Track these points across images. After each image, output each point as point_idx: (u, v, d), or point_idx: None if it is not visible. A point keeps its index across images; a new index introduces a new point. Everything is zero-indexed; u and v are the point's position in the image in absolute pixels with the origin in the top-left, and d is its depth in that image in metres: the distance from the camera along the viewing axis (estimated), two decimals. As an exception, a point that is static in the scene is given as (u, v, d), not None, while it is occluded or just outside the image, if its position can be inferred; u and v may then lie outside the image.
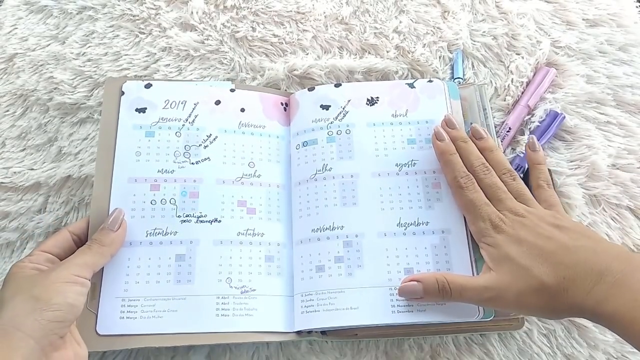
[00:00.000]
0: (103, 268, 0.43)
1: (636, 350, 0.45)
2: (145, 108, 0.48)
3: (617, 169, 0.52)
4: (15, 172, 0.52)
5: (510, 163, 0.51)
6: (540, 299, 0.37)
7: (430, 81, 0.51)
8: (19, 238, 0.50)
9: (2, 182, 0.52)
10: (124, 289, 0.43)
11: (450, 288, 0.40)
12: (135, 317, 0.42)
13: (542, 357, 0.46)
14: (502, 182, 0.44)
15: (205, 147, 0.48)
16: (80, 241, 0.43)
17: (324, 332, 0.44)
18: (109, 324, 0.41)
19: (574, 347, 0.46)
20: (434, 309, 0.42)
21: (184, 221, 0.45)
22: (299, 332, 0.44)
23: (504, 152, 0.52)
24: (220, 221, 0.46)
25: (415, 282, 0.41)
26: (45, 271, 0.38)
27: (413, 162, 0.47)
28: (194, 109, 0.49)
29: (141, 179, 0.46)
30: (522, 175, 0.51)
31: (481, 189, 0.43)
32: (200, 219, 0.45)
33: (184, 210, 0.46)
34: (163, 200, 0.46)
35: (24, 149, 0.54)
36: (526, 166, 0.51)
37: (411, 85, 0.50)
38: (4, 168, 0.53)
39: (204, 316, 0.43)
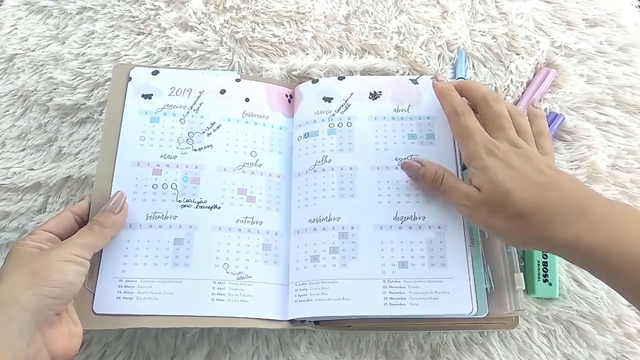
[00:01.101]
0: (102, 249, 0.43)
1: (636, 351, 0.45)
2: (152, 94, 0.49)
3: (617, 169, 0.52)
4: (15, 172, 0.52)
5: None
6: (512, 225, 0.38)
7: (433, 78, 0.50)
8: (19, 238, 0.50)
9: (2, 183, 0.52)
10: (122, 269, 0.43)
11: (441, 183, 0.43)
12: (132, 298, 0.42)
13: (542, 357, 0.46)
14: (510, 115, 0.43)
15: (208, 134, 0.48)
16: (83, 221, 0.43)
17: (317, 322, 0.44)
18: (106, 303, 0.42)
19: (574, 347, 0.46)
20: (427, 303, 0.42)
21: (184, 206, 0.46)
22: (292, 321, 0.44)
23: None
24: (219, 208, 0.46)
25: (420, 165, 0.45)
26: (46, 249, 0.39)
27: (413, 156, 0.47)
28: (199, 97, 0.50)
29: (144, 163, 0.47)
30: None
31: (487, 119, 0.43)
32: (200, 204, 0.46)
33: (184, 196, 0.46)
34: (164, 184, 0.46)
35: (24, 149, 0.54)
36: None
37: (414, 82, 0.50)
38: (4, 168, 0.53)
39: (200, 300, 0.43)
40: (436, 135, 0.48)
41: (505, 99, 0.55)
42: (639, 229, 0.35)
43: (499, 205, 0.39)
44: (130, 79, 0.49)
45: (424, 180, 0.45)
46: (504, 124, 0.42)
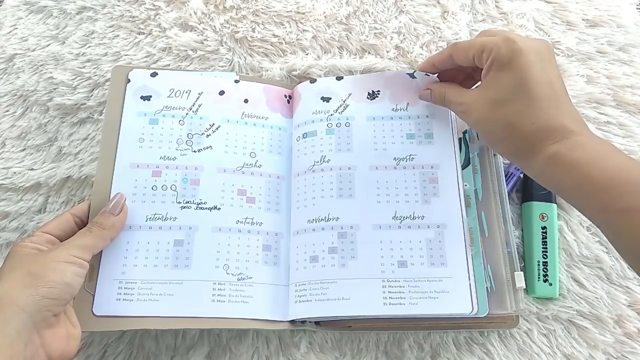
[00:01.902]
0: (102, 250, 0.43)
1: (636, 351, 0.45)
2: (150, 96, 0.49)
3: (617, 169, 0.52)
4: (15, 172, 0.52)
5: (511, 164, 0.51)
6: (506, 126, 0.39)
7: (427, 75, 0.50)
8: (19, 238, 0.50)
9: (2, 183, 0.52)
10: (122, 271, 0.43)
11: (445, 95, 0.45)
12: (132, 300, 0.42)
13: (542, 357, 0.46)
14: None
15: (207, 135, 0.48)
16: (82, 223, 0.43)
17: (317, 323, 0.44)
18: (106, 305, 0.42)
19: (573, 347, 0.46)
20: (426, 302, 0.42)
21: (184, 207, 0.46)
22: (292, 322, 0.44)
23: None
24: (219, 209, 0.46)
25: (429, 90, 0.47)
26: (44, 250, 0.39)
27: (411, 156, 0.47)
28: (198, 98, 0.50)
29: (143, 165, 0.47)
30: (521, 176, 0.51)
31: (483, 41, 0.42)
32: (200, 205, 0.46)
33: (184, 197, 0.46)
34: (164, 186, 0.46)
35: (24, 149, 0.54)
36: (521, 175, 0.51)
37: (412, 76, 0.50)
38: (4, 168, 0.53)
39: (200, 301, 0.43)
40: (435, 134, 0.48)
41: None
42: (621, 156, 0.36)
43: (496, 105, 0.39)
44: (129, 80, 0.49)
45: (434, 100, 0.47)
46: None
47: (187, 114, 0.49)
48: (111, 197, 0.45)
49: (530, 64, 0.38)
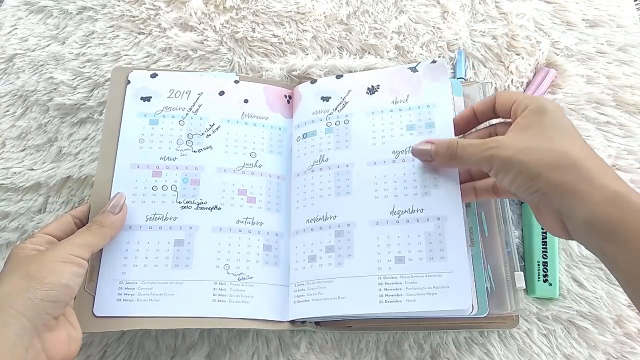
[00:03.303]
0: (102, 251, 0.43)
1: (636, 351, 0.45)
2: (150, 97, 0.49)
3: (617, 169, 0.52)
4: (15, 173, 0.52)
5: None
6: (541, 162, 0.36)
7: (434, 62, 0.49)
8: (19, 238, 0.50)
9: (2, 183, 0.52)
10: (122, 271, 0.43)
11: (457, 146, 0.40)
12: (132, 300, 0.42)
13: (542, 357, 0.46)
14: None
15: (207, 136, 0.48)
16: (83, 225, 0.43)
17: (317, 323, 0.44)
18: (106, 305, 0.42)
19: (573, 347, 0.46)
20: (424, 298, 0.41)
21: (184, 207, 0.46)
22: (293, 322, 0.44)
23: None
24: (220, 208, 0.46)
25: (429, 144, 0.43)
26: (42, 251, 0.38)
27: (411, 148, 0.46)
28: (198, 98, 0.50)
29: (143, 165, 0.47)
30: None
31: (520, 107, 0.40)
32: (200, 205, 0.46)
33: (184, 197, 0.46)
34: (164, 186, 0.46)
35: (24, 149, 0.54)
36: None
37: (414, 69, 0.50)
38: (4, 168, 0.53)
39: (201, 301, 0.43)
40: (436, 123, 0.47)
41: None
42: None
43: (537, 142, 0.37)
44: (129, 82, 0.49)
45: (438, 156, 0.42)
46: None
47: (187, 114, 0.49)
48: (111, 197, 0.45)
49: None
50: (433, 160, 0.43)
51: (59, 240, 0.41)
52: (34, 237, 0.40)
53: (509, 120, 0.41)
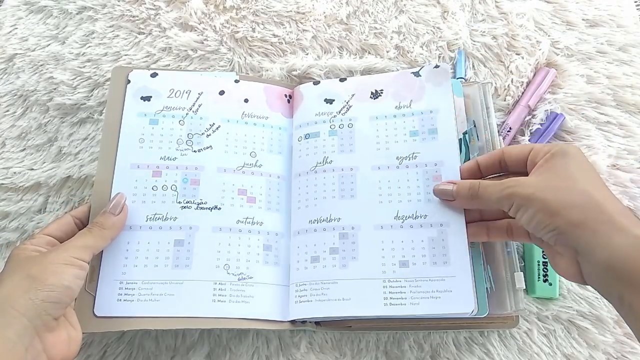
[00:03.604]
0: (103, 251, 0.43)
1: (636, 351, 0.45)
2: (150, 96, 0.49)
3: (617, 169, 0.52)
4: (15, 172, 0.52)
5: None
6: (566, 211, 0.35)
7: (437, 66, 0.50)
8: (19, 238, 0.50)
9: (2, 183, 0.52)
10: (123, 272, 0.43)
11: (479, 188, 0.40)
12: (133, 300, 0.42)
13: (542, 357, 0.46)
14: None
15: (207, 135, 0.48)
16: (83, 225, 0.43)
17: (317, 323, 0.44)
18: (107, 306, 0.42)
19: (573, 347, 0.46)
20: (428, 302, 0.42)
21: (184, 207, 0.46)
22: (293, 322, 0.44)
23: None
24: (220, 208, 0.46)
25: (451, 184, 0.43)
26: (44, 252, 0.39)
27: (414, 154, 0.47)
28: (198, 98, 0.50)
29: (143, 165, 0.47)
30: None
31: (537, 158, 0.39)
32: (201, 205, 0.46)
33: (184, 197, 0.46)
34: (164, 186, 0.46)
35: (24, 149, 0.54)
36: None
37: (417, 74, 0.50)
38: (4, 168, 0.53)
39: (201, 301, 0.43)
40: (439, 129, 0.47)
41: (505, 99, 0.55)
42: None
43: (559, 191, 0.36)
44: (129, 81, 0.49)
45: (460, 197, 0.42)
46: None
47: (187, 114, 0.49)
48: (111, 197, 0.45)
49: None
50: (454, 200, 0.43)
51: (60, 241, 0.41)
52: (34, 238, 0.40)
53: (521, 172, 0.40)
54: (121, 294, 0.42)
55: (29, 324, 0.34)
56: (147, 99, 0.49)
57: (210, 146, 0.48)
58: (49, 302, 0.35)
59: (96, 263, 0.43)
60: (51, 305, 0.35)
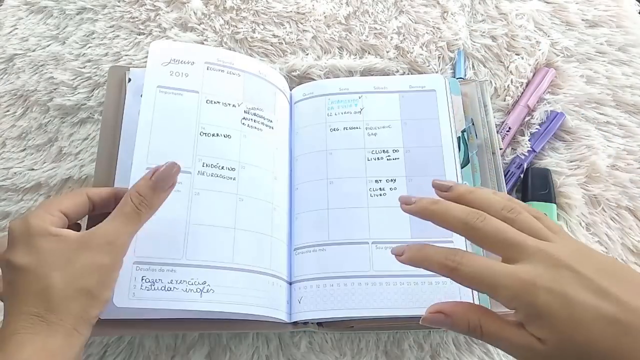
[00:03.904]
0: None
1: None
2: None
3: (617, 169, 0.52)
4: (15, 173, 0.52)
5: (511, 163, 0.51)
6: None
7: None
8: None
9: (2, 183, 0.52)
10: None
11: (482, 332, 0.31)
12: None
13: (541, 357, 0.46)
14: (508, 221, 0.32)
15: None
16: (93, 207, 0.39)
17: (319, 324, 0.44)
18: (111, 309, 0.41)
19: (573, 347, 0.46)
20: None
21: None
22: (295, 324, 0.44)
23: (504, 152, 0.52)
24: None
25: (443, 316, 0.32)
26: (86, 247, 0.34)
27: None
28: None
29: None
30: (521, 176, 0.51)
31: (487, 245, 0.32)
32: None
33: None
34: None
35: (25, 149, 0.54)
36: (525, 165, 0.51)
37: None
38: (4, 168, 0.53)
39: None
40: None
41: (505, 99, 0.55)
42: None
43: (574, 358, 0.28)
44: (129, 80, 0.49)
45: (458, 331, 0.33)
46: (513, 237, 0.31)
47: None
48: (160, 165, 0.37)
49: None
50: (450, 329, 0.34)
51: (70, 222, 0.36)
52: (53, 215, 0.35)
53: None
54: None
55: (85, 340, 0.34)
56: None
57: None
58: (95, 319, 0.35)
59: None
60: (94, 322, 0.35)
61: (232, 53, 0.48)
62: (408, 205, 0.35)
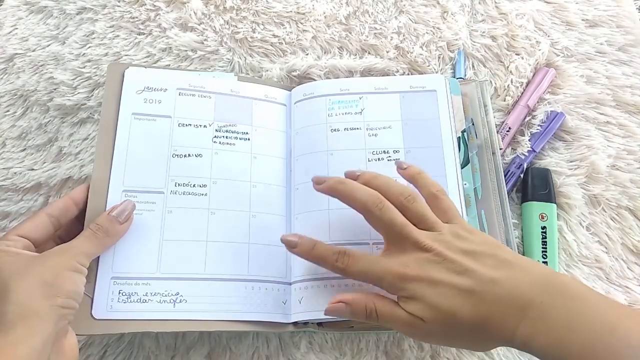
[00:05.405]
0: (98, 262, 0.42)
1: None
2: None
3: (617, 169, 0.52)
4: (15, 173, 0.52)
5: (511, 163, 0.51)
6: (469, 336, 0.36)
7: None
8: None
9: (2, 183, 0.52)
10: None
11: (377, 315, 0.38)
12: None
13: (541, 357, 0.46)
14: (400, 207, 0.39)
15: None
16: (59, 223, 0.41)
17: (319, 324, 0.44)
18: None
19: (573, 347, 0.46)
20: None
21: None
22: (295, 324, 0.44)
23: (504, 152, 0.52)
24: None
25: (343, 305, 0.39)
26: (45, 255, 0.37)
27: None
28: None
29: None
30: (521, 175, 0.51)
31: (379, 231, 0.40)
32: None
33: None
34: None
35: (24, 149, 0.54)
36: (525, 165, 0.51)
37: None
38: (4, 168, 0.53)
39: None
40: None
41: (505, 99, 0.55)
42: (581, 323, 0.33)
43: (447, 327, 0.36)
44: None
45: (358, 318, 0.39)
46: (401, 230, 0.38)
47: None
48: (120, 202, 0.43)
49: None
50: (352, 318, 0.40)
51: (35, 244, 0.39)
52: (9, 239, 0.38)
53: None
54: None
55: (52, 330, 0.34)
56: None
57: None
58: (67, 308, 0.35)
59: (94, 264, 0.42)
60: (68, 311, 0.35)
61: (204, 77, 0.50)
62: (319, 185, 0.42)
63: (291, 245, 0.41)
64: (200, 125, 0.48)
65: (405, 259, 0.37)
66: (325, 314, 0.40)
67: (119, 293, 0.41)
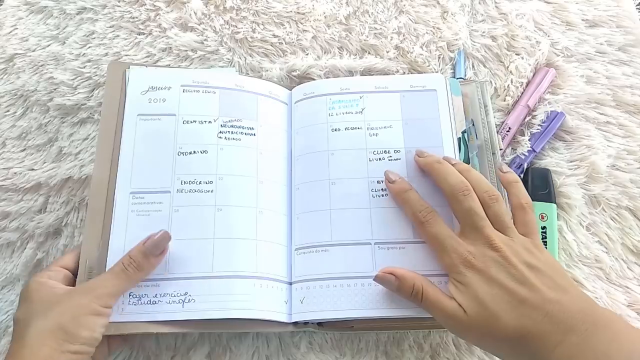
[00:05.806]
0: (107, 262, 0.42)
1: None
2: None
3: (617, 169, 0.52)
4: (15, 173, 0.52)
5: (511, 163, 0.51)
6: (503, 344, 0.36)
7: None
8: (19, 238, 0.50)
9: (2, 183, 0.52)
10: None
11: (422, 298, 0.39)
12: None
13: (541, 357, 0.46)
14: (482, 203, 0.41)
15: None
16: None
17: (320, 324, 0.44)
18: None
19: (573, 347, 0.46)
20: None
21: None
22: (295, 324, 0.44)
23: (504, 152, 0.52)
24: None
25: (393, 277, 0.40)
26: (70, 294, 0.38)
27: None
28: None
29: None
30: (521, 176, 0.51)
31: (458, 216, 0.41)
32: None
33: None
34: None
35: (25, 149, 0.54)
36: (525, 165, 0.51)
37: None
38: (4, 168, 0.53)
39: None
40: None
41: (505, 99, 0.55)
42: (620, 353, 0.34)
43: (487, 328, 0.36)
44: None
45: (402, 294, 0.40)
46: (478, 222, 0.40)
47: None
48: (155, 233, 0.42)
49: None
50: (395, 292, 0.41)
51: (74, 274, 0.41)
52: (51, 270, 0.40)
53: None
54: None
55: None
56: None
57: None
58: (81, 354, 0.36)
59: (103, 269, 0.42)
60: (82, 357, 0.36)
61: (207, 72, 0.50)
62: (420, 157, 0.45)
63: (389, 180, 0.44)
64: (205, 121, 0.47)
65: (473, 250, 0.39)
66: (373, 280, 0.41)
67: (130, 295, 0.42)
